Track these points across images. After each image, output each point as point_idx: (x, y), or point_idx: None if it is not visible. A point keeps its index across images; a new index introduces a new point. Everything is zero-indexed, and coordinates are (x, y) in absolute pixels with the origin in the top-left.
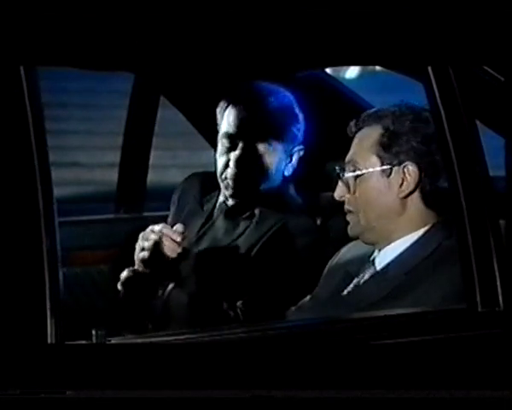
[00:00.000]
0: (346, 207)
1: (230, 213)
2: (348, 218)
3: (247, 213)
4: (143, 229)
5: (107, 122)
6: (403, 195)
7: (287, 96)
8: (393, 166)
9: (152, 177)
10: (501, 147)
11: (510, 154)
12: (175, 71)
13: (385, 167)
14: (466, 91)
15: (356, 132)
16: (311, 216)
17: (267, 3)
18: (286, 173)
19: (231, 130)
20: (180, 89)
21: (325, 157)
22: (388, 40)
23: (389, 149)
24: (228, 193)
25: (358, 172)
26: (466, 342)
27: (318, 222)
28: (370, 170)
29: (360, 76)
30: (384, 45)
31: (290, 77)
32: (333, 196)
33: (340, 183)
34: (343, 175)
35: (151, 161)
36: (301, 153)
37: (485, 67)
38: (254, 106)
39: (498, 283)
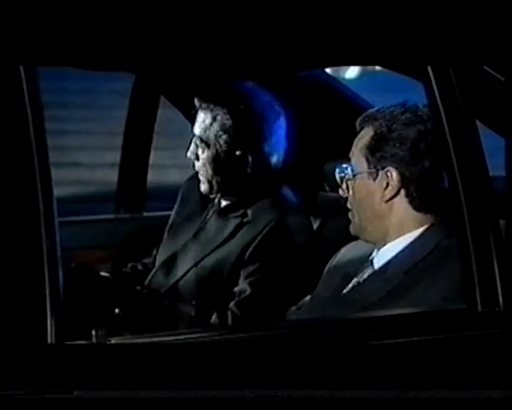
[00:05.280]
0: (348, 205)
1: (222, 213)
2: (349, 216)
3: (240, 213)
4: (143, 229)
5: (107, 122)
6: (386, 198)
7: (258, 95)
8: (378, 170)
9: (152, 177)
10: (501, 147)
11: (510, 154)
12: (175, 71)
13: (371, 170)
14: (466, 91)
15: (359, 131)
16: (307, 216)
17: (267, 3)
18: (262, 172)
19: (198, 131)
20: (180, 89)
21: (324, 157)
22: (388, 40)
23: (375, 154)
24: (202, 190)
25: (350, 173)
26: (466, 342)
27: (317, 222)
28: (360, 172)
29: (360, 76)
30: (384, 45)
31: (286, 77)
32: (333, 196)
33: (341, 181)
34: (342, 174)
35: (151, 161)
36: (276, 152)
37: (485, 67)
38: (222, 106)
39: (498, 283)
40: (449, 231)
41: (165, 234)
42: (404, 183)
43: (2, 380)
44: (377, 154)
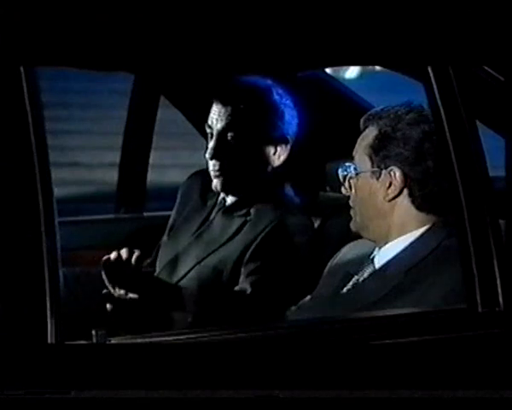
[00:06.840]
0: (350, 202)
1: (227, 212)
2: (351, 213)
3: (243, 212)
4: (143, 229)
5: (107, 122)
6: (389, 198)
7: (272, 91)
8: (382, 169)
9: (152, 177)
10: (501, 147)
11: (510, 154)
12: (175, 71)
13: (374, 169)
14: (466, 91)
15: (363, 130)
16: (308, 215)
17: (267, 3)
18: (270, 168)
19: (209, 122)
20: (180, 89)
21: (325, 157)
22: (388, 40)
23: (378, 153)
24: (214, 185)
25: (353, 172)
26: (466, 342)
27: (318, 222)
28: (363, 170)
29: (360, 76)
30: (384, 45)
31: (290, 75)
32: (334, 196)
33: (344, 179)
34: (345, 172)
35: (151, 161)
36: (287, 147)
37: (485, 67)
38: (233, 99)
39: (498, 283)
40: (450, 231)
41: (166, 235)
42: (408, 183)
43: (2, 380)
44: (381, 153)
